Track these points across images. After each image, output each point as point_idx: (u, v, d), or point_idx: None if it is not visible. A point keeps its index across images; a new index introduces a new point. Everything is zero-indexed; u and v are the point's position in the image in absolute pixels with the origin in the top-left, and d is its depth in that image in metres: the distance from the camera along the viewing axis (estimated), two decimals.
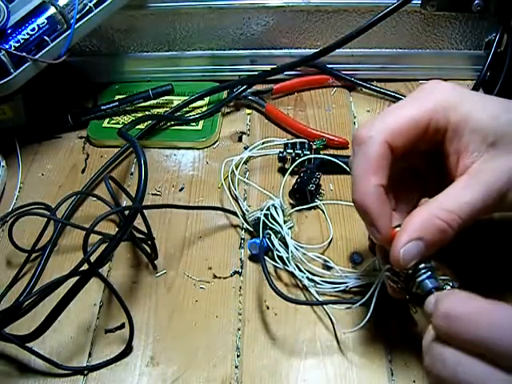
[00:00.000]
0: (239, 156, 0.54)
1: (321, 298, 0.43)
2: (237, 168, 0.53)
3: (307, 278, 0.43)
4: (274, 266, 0.45)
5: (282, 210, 0.46)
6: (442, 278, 0.40)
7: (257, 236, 0.46)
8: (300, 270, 0.44)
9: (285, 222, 0.46)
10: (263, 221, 0.45)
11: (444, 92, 0.36)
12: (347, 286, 0.43)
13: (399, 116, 0.36)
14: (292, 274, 0.45)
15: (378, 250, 0.38)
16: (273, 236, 0.45)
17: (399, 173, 0.40)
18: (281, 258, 0.45)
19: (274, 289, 0.41)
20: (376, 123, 0.36)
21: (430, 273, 0.34)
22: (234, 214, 0.49)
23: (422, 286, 0.34)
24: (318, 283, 0.43)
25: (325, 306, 0.42)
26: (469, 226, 0.34)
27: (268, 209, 0.46)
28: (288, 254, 0.44)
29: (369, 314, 0.38)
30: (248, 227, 0.48)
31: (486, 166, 0.34)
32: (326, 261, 0.45)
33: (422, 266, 0.34)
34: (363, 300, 0.39)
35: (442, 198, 0.34)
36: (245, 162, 0.55)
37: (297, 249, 0.45)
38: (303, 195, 0.49)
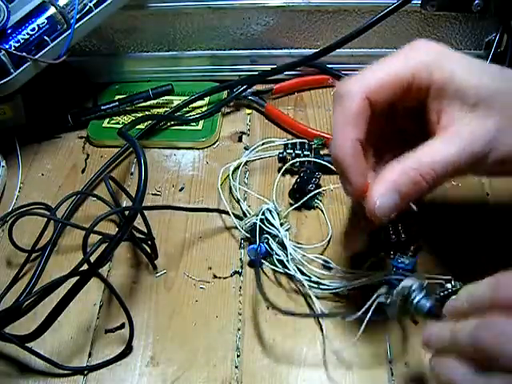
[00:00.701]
0: (238, 161, 0.54)
1: (321, 301, 0.42)
2: (235, 172, 0.53)
3: (307, 279, 0.43)
4: (274, 271, 0.45)
5: (278, 213, 0.46)
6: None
7: (254, 242, 0.46)
8: (301, 272, 0.44)
9: (281, 224, 0.46)
10: (260, 226, 0.45)
11: (430, 51, 0.36)
12: (346, 287, 0.43)
13: (380, 71, 0.35)
14: (291, 278, 0.44)
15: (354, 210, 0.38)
16: (271, 240, 0.45)
17: (387, 135, 0.39)
18: (281, 261, 0.45)
19: (267, 300, 0.40)
20: (356, 78, 0.35)
21: (422, 294, 0.35)
22: (233, 215, 0.49)
23: (418, 308, 0.35)
24: (319, 283, 0.43)
25: (323, 308, 0.42)
26: (442, 183, 0.34)
27: (263, 213, 0.46)
28: (287, 256, 0.44)
29: (361, 329, 0.37)
30: (245, 234, 0.47)
31: (465, 129, 0.34)
32: (326, 261, 0.45)
33: (415, 287, 0.35)
34: (358, 315, 0.38)
35: (418, 152, 0.34)
36: (245, 163, 0.55)
37: (295, 250, 0.45)
38: (303, 195, 0.49)
